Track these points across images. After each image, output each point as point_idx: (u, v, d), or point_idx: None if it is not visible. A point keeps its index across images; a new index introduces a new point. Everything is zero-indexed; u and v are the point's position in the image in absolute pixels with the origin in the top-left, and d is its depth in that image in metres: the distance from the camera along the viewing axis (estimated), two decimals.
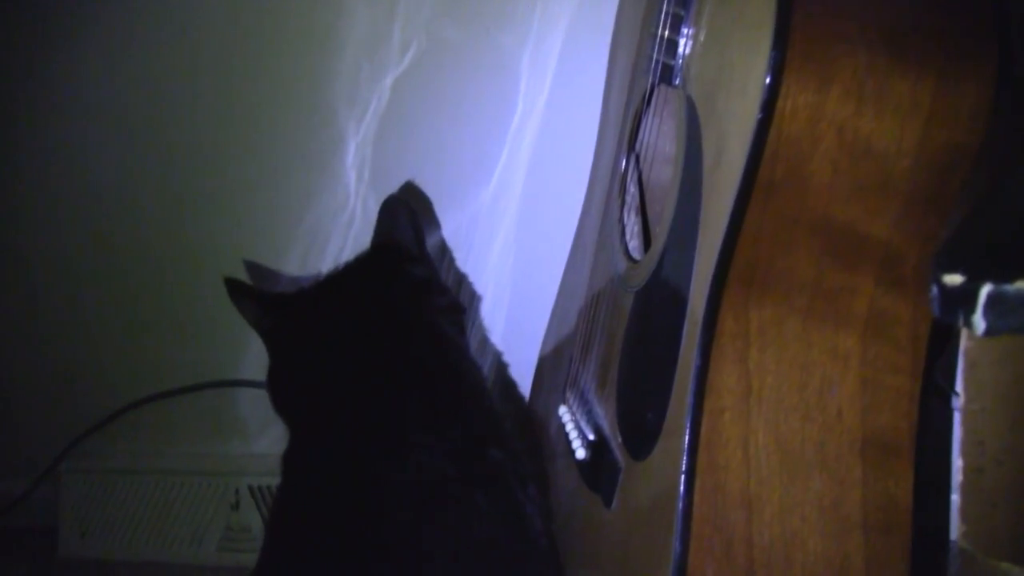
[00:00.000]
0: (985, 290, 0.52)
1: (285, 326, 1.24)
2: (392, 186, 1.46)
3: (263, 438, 1.57)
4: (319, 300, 1.26)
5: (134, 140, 1.55)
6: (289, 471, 1.15)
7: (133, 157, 1.56)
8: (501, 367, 1.51)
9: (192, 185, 1.56)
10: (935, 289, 0.55)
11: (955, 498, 0.63)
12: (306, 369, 1.21)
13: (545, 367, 1.37)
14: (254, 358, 1.60)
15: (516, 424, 1.36)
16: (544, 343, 1.40)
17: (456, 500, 1.06)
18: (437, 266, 1.42)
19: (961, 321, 0.53)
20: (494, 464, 1.10)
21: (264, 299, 1.28)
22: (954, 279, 0.53)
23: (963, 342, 0.59)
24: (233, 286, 1.24)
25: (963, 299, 0.53)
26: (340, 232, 1.51)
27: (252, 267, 1.51)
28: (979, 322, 0.52)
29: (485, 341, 1.51)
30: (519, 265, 1.49)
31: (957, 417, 0.68)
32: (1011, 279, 0.52)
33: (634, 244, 1.11)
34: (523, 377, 1.47)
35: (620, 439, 0.99)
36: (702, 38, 0.93)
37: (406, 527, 1.04)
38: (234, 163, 1.54)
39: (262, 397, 1.55)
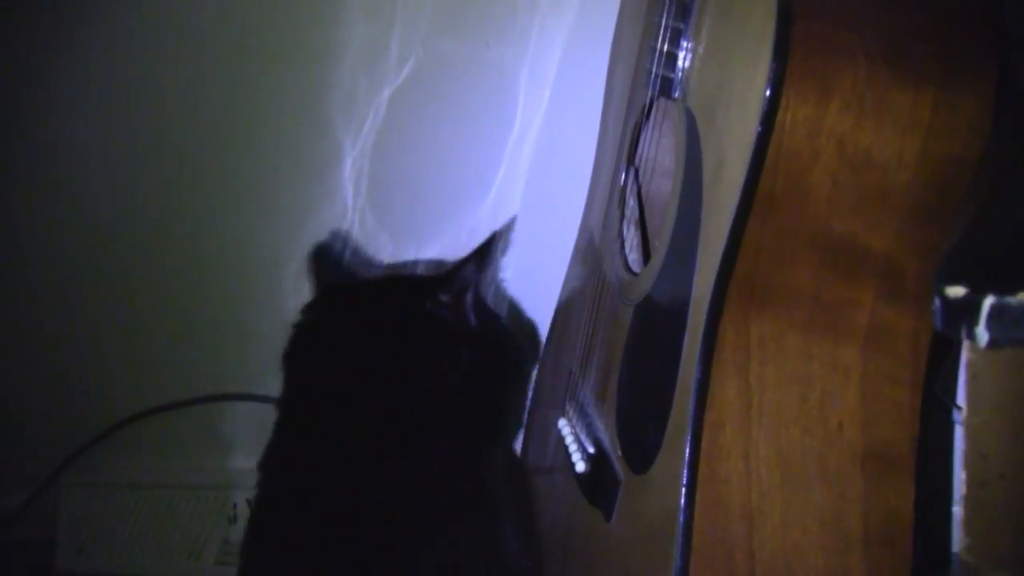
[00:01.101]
0: (988, 302, 0.52)
1: (317, 311, 1.24)
2: (389, 199, 1.46)
3: (261, 452, 1.56)
4: (347, 304, 1.25)
5: (131, 153, 1.54)
6: (269, 475, 1.15)
7: (129, 170, 1.55)
8: None
9: (190, 197, 1.56)
10: (938, 302, 0.54)
11: (957, 511, 0.63)
12: (314, 363, 1.20)
13: (544, 380, 1.37)
14: (254, 371, 1.60)
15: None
16: (543, 356, 1.39)
17: (432, 520, 1.06)
18: None
19: (964, 334, 0.53)
20: (472, 485, 1.11)
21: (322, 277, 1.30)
22: (957, 291, 0.53)
23: (965, 354, 0.59)
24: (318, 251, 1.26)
25: (966, 311, 0.53)
26: (337, 245, 1.51)
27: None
28: (982, 334, 0.52)
29: None
30: (517, 278, 1.49)
31: (959, 430, 0.68)
32: (1014, 291, 0.51)
33: (633, 257, 1.11)
34: None
35: (620, 452, 0.98)
36: (701, 51, 0.93)
37: (380, 543, 1.04)
38: (231, 176, 1.54)
39: (261, 410, 1.55)
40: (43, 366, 1.67)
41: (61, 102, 1.52)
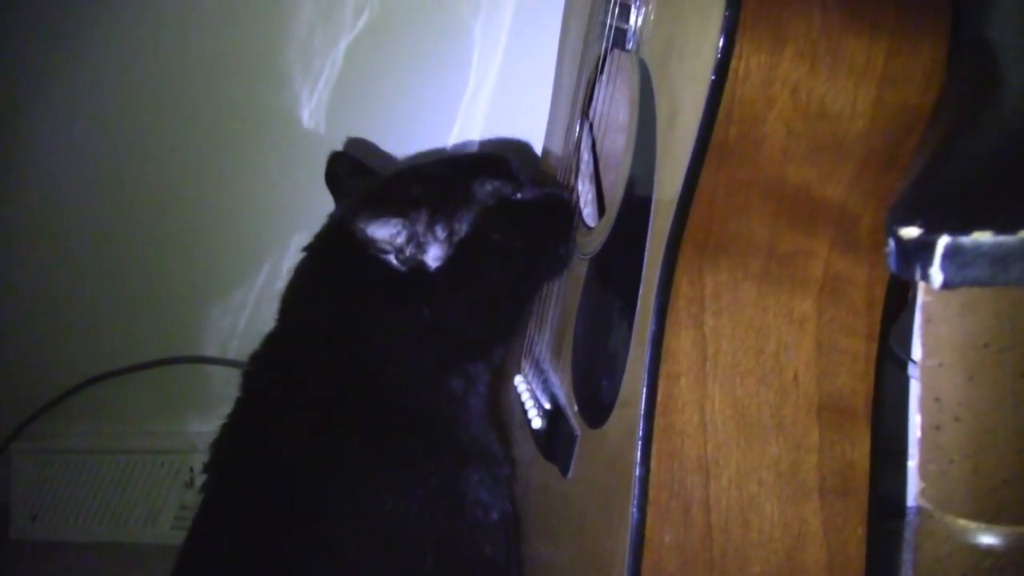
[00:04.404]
0: (942, 242, 0.51)
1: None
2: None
3: (217, 415, 1.55)
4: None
5: (87, 110, 1.52)
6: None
7: (83, 131, 1.53)
8: None
9: (143, 155, 1.54)
10: (892, 243, 0.54)
11: (913, 456, 0.63)
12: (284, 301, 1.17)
13: None
14: (210, 334, 1.59)
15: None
16: None
17: (384, 463, 1.06)
18: None
19: (918, 275, 0.53)
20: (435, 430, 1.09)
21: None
22: (911, 232, 0.53)
23: (920, 297, 0.58)
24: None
25: (920, 252, 0.52)
26: (296, 196, 1.49)
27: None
28: (936, 275, 0.52)
29: None
30: None
31: (915, 374, 0.67)
32: (968, 230, 0.51)
33: (588, 211, 1.11)
34: None
35: (576, 407, 0.98)
36: (655, 1, 0.92)
37: (328, 480, 1.05)
38: (186, 131, 1.52)
39: (217, 374, 1.55)
40: None
41: None
